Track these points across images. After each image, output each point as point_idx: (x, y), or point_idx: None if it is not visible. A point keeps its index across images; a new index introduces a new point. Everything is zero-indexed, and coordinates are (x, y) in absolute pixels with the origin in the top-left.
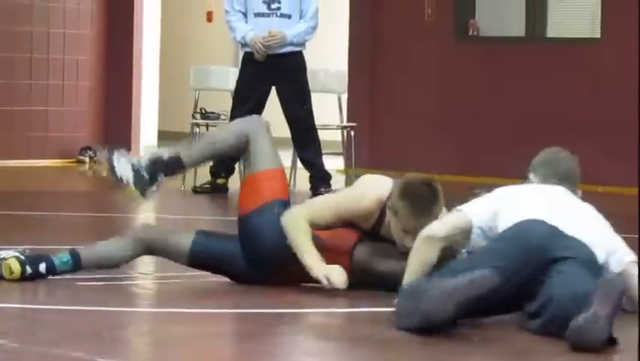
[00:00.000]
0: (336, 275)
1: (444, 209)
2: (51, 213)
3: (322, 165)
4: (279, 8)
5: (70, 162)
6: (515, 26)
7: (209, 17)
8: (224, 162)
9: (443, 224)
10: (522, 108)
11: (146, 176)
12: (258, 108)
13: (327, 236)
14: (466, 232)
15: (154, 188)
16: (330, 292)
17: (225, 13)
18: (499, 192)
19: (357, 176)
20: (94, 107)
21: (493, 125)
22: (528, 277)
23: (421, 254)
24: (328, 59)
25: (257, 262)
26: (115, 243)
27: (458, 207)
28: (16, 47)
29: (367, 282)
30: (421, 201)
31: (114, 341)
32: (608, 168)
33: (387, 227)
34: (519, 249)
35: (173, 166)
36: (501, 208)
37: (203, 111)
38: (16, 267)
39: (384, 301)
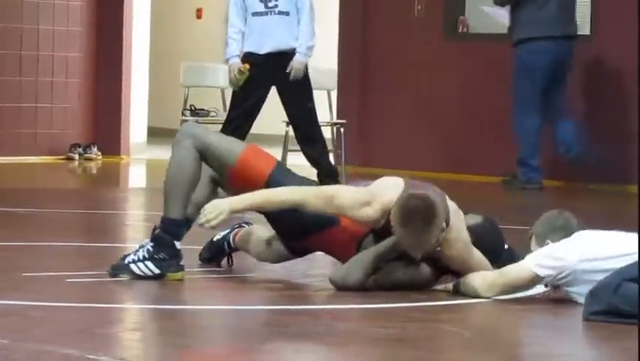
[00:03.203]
0: (209, 212)
1: (454, 214)
2: (40, 210)
3: (329, 162)
4: (276, 6)
5: (59, 159)
6: (506, 22)
7: (199, 14)
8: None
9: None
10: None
11: (164, 255)
12: (254, 108)
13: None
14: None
15: (180, 260)
16: (321, 289)
17: (229, 24)
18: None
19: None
20: (83, 103)
21: (483, 123)
22: None
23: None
24: (318, 56)
25: (285, 232)
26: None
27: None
28: (5, 43)
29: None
30: (419, 223)
31: (105, 337)
32: (601, 163)
33: None
34: None
35: (173, 228)
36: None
37: (193, 108)
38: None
39: (375, 298)
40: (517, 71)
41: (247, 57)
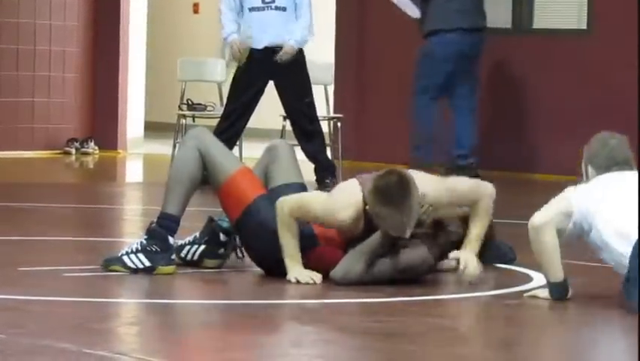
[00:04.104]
0: (304, 281)
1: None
2: (37, 205)
3: (326, 157)
4: (273, 1)
5: (56, 154)
6: (502, 18)
7: (196, 9)
8: None
9: (546, 210)
10: (509, 100)
11: (156, 248)
12: (252, 103)
13: (322, 230)
14: (569, 217)
15: (172, 255)
16: (317, 283)
17: (222, 14)
18: (585, 190)
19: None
20: (80, 98)
21: (480, 117)
22: None
23: (544, 247)
24: (315, 51)
25: (259, 260)
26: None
27: (564, 194)
28: (2, 38)
29: None
30: (396, 197)
31: (102, 332)
32: None
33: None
34: None
35: (168, 223)
36: (596, 204)
37: (190, 102)
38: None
39: (372, 293)
40: (422, 61)
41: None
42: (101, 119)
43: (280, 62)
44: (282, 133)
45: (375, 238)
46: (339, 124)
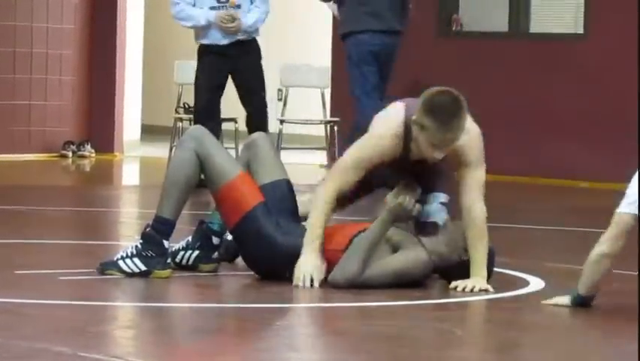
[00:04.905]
0: (306, 278)
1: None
2: (34, 208)
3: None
4: (227, 0)
5: (53, 157)
6: (499, 22)
7: None
8: None
9: (611, 240)
10: (505, 104)
11: (151, 253)
12: (216, 96)
13: (326, 233)
14: (632, 227)
15: (167, 259)
16: (313, 287)
17: (173, 5)
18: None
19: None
20: (77, 101)
21: (476, 121)
22: None
23: (597, 270)
24: (311, 54)
25: (255, 266)
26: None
27: (617, 211)
28: None
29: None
30: (446, 113)
31: (98, 335)
32: (593, 163)
33: (415, 149)
34: None
35: (163, 227)
36: None
37: (187, 106)
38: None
39: (369, 296)
40: (347, 65)
41: (207, 48)
42: (98, 122)
43: (222, 22)
44: (279, 137)
45: (367, 233)
46: (335, 128)
